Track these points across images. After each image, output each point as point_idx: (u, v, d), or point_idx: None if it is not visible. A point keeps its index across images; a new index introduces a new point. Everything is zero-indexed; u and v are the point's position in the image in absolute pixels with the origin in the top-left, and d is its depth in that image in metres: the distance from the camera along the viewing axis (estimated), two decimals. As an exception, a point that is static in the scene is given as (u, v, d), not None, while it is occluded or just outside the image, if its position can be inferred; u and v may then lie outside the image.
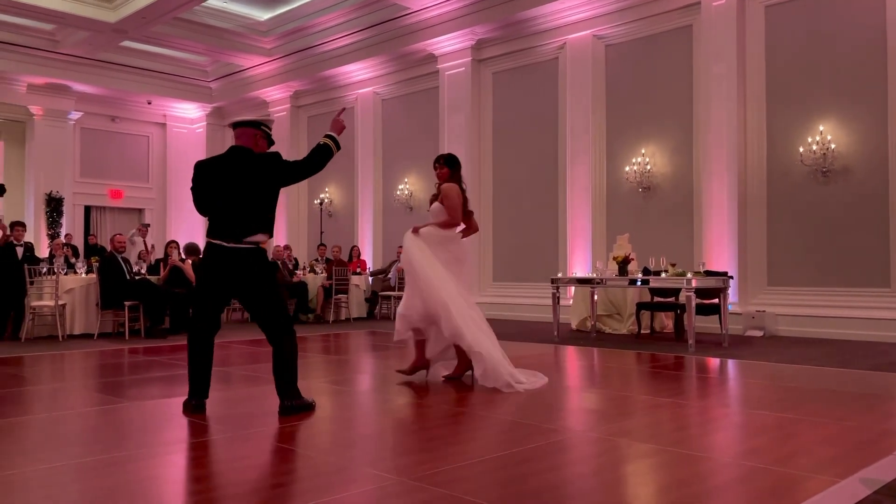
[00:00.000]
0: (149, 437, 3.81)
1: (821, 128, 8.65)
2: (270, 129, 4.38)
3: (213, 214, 4.19)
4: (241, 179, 4.14)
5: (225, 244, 4.10)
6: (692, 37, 9.83)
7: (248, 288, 4.17)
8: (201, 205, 4.26)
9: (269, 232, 4.23)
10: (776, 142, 9.12)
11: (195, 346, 4.18)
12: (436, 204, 5.40)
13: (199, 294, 4.27)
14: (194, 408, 4.14)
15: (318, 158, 4.27)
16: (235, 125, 4.34)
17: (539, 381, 5.16)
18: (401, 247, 12.08)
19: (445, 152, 5.79)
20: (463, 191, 5.39)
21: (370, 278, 12.63)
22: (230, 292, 4.28)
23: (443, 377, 5.36)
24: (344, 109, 4.83)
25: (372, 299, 12.26)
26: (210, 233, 4.17)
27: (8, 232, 9.17)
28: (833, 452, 3.30)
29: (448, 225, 5.33)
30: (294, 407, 4.10)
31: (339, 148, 4.34)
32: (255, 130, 4.28)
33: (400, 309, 5.30)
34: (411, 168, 13.45)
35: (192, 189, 4.27)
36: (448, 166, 5.43)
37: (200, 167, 4.27)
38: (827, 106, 8.68)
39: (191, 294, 9.81)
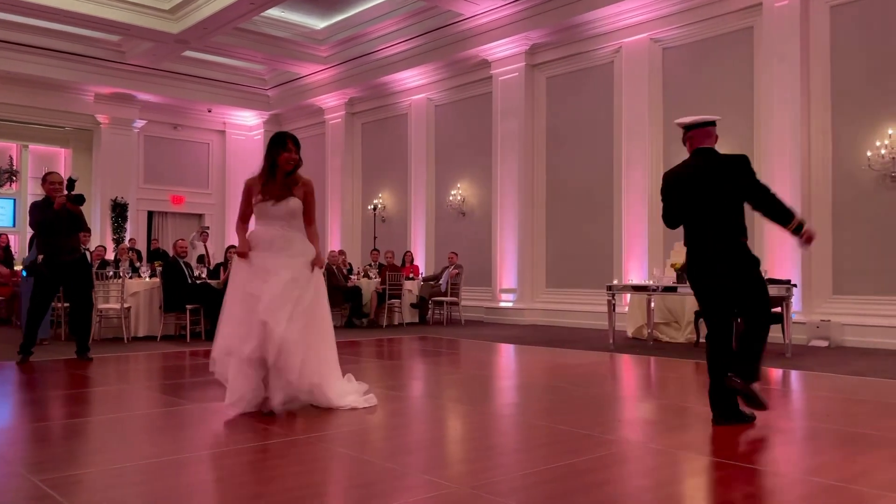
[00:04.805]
0: (211, 440, 3.90)
1: (890, 131, 8.34)
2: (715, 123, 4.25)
3: (689, 223, 4.15)
4: (714, 183, 4.08)
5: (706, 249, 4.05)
6: (753, 38, 9.60)
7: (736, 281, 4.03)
8: (672, 217, 4.24)
9: (745, 234, 4.13)
10: (842, 145, 8.82)
11: (717, 360, 4.04)
12: (295, 200, 4.45)
13: (706, 304, 4.12)
14: None
15: (775, 209, 4.14)
16: (688, 127, 4.20)
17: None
18: (454, 253, 12.34)
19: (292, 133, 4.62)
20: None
21: (420, 284, 12.64)
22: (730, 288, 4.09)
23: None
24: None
25: (420, 304, 12.19)
26: (688, 241, 4.16)
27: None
28: (907, 471, 3.16)
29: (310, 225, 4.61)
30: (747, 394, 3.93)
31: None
32: (711, 128, 4.19)
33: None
34: (464, 173, 13.47)
35: (662, 200, 4.25)
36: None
37: (669, 178, 4.23)
38: (897, 108, 8.36)
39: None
